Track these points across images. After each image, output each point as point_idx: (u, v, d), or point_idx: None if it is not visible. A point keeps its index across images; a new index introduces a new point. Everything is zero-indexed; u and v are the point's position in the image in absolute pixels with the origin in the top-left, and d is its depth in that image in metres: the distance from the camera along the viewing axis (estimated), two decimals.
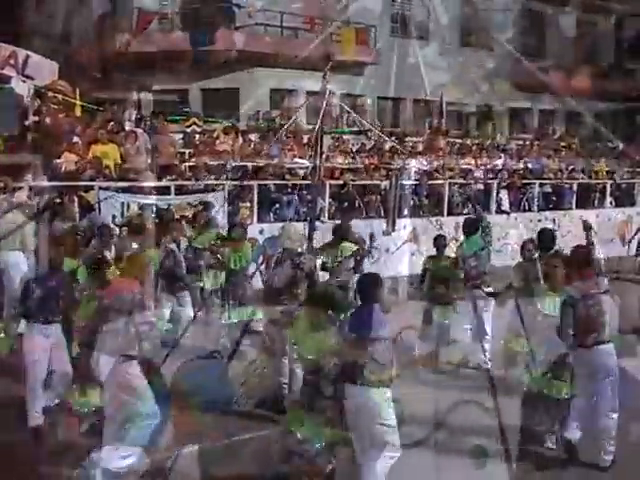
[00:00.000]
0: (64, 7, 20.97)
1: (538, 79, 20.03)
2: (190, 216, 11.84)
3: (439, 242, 10.21)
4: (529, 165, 19.01)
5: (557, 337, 6.94)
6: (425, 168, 16.73)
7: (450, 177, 17.05)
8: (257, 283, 9.69)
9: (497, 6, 23.26)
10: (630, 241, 17.48)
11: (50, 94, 14.02)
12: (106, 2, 22.19)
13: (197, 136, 16.96)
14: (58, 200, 11.49)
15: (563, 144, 22.16)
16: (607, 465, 7.02)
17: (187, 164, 14.96)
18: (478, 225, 10.50)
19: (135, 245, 9.14)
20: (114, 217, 12.33)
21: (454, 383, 8.45)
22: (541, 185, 18.41)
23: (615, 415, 7.00)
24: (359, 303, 6.24)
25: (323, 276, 9.68)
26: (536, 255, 8.62)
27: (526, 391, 7.29)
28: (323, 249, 9.99)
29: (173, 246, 9.90)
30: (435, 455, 6.46)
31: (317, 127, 9.96)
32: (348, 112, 17.62)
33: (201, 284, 10.45)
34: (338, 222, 11.00)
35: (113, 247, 9.43)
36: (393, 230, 13.60)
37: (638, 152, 21.03)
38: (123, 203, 12.63)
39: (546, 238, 8.83)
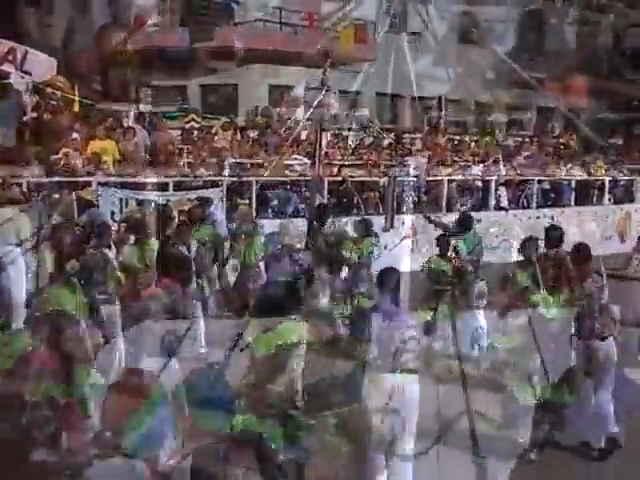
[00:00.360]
0: (65, 17, 21.01)
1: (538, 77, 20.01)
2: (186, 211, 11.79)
3: (442, 242, 10.10)
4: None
5: (554, 344, 6.94)
6: (424, 165, 16.73)
7: (449, 174, 17.06)
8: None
9: (496, 17, 23.25)
10: None
11: (49, 90, 14.02)
12: (107, 13, 22.16)
13: (195, 132, 16.95)
14: (56, 195, 11.50)
15: (562, 141, 22.14)
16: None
17: (186, 160, 14.97)
18: (472, 221, 10.50)
19: (133, 240, 9.14)
20: (113, 213, 12.33)
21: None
22: (540, 182, 18.40)
23: (611, 403, 7.10)
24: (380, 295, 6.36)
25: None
26: (538, 254, 8.48)
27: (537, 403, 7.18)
28: (346, 245, 10.09)
29: (184, 249, 9.72)
30: (437, 462, 6.42)
31: (304, 117, 10.01)
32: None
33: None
34: (360, 218, 11.04)
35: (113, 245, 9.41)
36: (392, 227, 13.62)
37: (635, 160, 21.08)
38: (122, 199, 12.63)
39: (554, 236, 8.67)
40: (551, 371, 7.00)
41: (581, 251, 7.49)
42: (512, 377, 7.18)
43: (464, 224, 10.33)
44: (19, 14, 20.44)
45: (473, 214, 13.95)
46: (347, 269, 10.21)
